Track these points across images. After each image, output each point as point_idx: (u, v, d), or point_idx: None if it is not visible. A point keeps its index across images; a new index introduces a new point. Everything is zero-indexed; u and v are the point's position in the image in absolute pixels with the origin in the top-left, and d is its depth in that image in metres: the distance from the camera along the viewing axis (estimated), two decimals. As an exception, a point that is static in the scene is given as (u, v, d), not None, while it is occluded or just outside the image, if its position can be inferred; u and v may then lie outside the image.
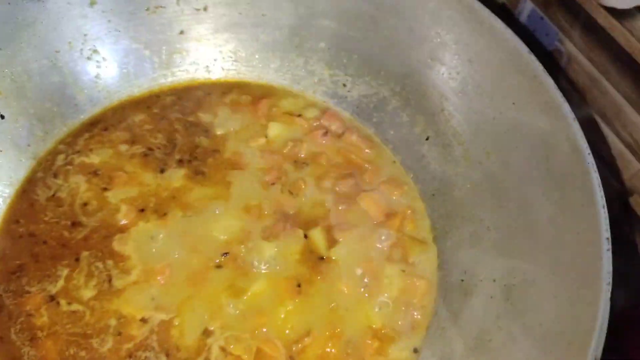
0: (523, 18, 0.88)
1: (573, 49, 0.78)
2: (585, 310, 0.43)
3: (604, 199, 0.46)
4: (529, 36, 0.86)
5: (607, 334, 0.40)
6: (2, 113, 0.60)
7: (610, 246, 0.43)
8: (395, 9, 0.64)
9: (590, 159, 0.48)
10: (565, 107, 0.51)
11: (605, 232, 0.44)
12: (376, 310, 0.57)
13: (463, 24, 0.59)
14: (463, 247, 0.58)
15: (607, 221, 0.45)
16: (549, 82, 0.52)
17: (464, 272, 0.57)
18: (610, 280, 0.42)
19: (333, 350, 0.54)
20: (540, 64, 0.54)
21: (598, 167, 0.82)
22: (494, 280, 0.54)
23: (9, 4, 0.58)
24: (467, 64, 0.59)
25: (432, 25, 0.61)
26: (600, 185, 0.47)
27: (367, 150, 0.68)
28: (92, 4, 0.63)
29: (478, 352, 0.51)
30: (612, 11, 0.68)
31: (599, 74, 0.76)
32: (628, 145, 0.76)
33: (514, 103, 0.56)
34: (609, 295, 0.41)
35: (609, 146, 0.78)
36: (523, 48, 0.55)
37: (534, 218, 0.52)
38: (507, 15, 0.82)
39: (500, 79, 0.57)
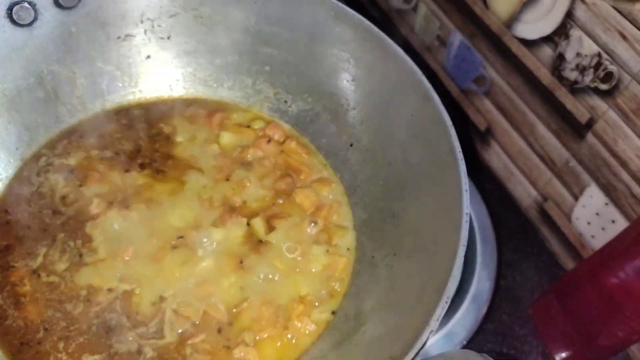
0: (454, 48, 1.02)
1: (494, 74, 0.92)
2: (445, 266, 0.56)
3: (467, 184, 0.59)
4: (459, 63, 1.00)
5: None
6: (-5, 122, 0.72)
7: (468, 219, 0.57)
8: (322, 40, 0.77)
9: (460, 156, 0.62)
10: (445, 116, 0.65)
11: (466, 209, 0.58)
12: (304, 282, 0.69)
13: (374, 52, 0.73)
14: (375, 231, 0.71)
15: (468, 203, 0.58)
16: (434, 96, 0.66)
17: (374, 250, 0.70)
18: (465, 243, 0.55)
19: (266, 313, 0.66)
20: (429, 83, 0.68)
21: (518, 178, 0.97)
22: (394, 255, 0.67)
23: (4, 32, 0.70)
24: (376, 84, 0.73)
25: (351, 53, 0.75)
26: (466, 175, 0.60)
27: (303, 155, 0.81)
28: (71, 33, 0.76)
29: (379, 310, 0.63)
30: (523, 41, 0.82)
31: (515, 95, 0.90)
32: (541, 157, 0.89)
33: (412, 115, 0.70)
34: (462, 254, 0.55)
35: (526, 158, 0.92)
36: (417, 70, 0.69)
37: (422, 209, 0.66)
38: (442, 44, 0.97)
39: (401, 97, 0.71)
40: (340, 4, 0.75)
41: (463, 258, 0.54)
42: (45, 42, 0.74)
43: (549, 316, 0.83)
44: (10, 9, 0.69)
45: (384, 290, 0.64)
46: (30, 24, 0.72)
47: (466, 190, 0.59)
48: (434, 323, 0.50)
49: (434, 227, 0.62)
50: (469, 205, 0.58)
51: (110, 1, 0.76)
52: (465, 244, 0.55)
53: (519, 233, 0.93)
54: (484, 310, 0.82)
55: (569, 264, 0.89)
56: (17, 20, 0.71)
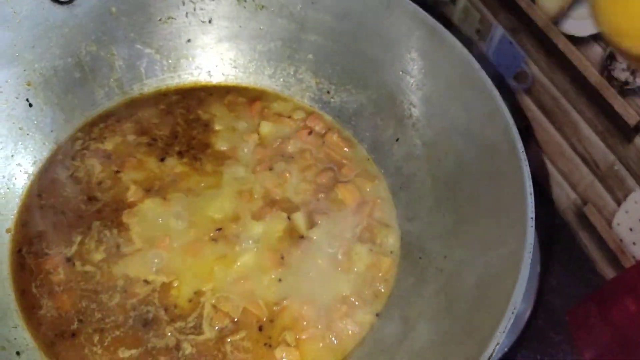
0: (495, 42, 0.98)
1: (537, 70, 0.88)
2: (509, 279, 0.53)
3: (532, 187, 0.56)
4: (499, 58, 0.96)
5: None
6: (31, 102, 0.69)
7: (533, 224, 0.54)
8: (373, 29, 0.74)
9: (523, 156, 0.58)
10: (506, 114, 0.61)
11: (531, 213, 0.54)
12: (346, 281, 0.66)
13: (428, 43, 0.70)
14: (422, 230, 0.68)
15: (533, 207, 0.55)
16: (495, 93, 0.63)
17: (421, 251, 0.67)
18: (531, 250, 0.52)
19: (308, 312, 0.63)
20: (489, 79, 0.64)
21: (556, 180, 0.93)
22: (445, 257, 0.64)
23: (42, 9, 0.68)
24: (430, 77, 0.70)
25: (403, 44, 0.72)
26: (530, 177, 0.57)
27: (345, 149, 0.78)
28: (112, 13, 0.73)
29: (429, 315, 0.60)
30: (571, 38, 0.78)
31: (559, 93, 0.86)
32: (584, 159, 0.86)
33: (467, 111, 0.67)
34: (529, 262, 0.51)
35: (567, 159, 0.89)
36: (475, 64, 0.65)
37: (478, 207, 0.63)
38: (482, 38, 0.93)
39: (457, 91, 0.67)
40: (391, -10, 0.72)
41: (529, 266, 0.51)
42: (84, 21, 0.71)
43: (586, 324, 0.80)
44: (50, -15, 0.67)
45: (435, 295, 0.61)
46: (70, 1, 0.69)
47: (531, 194, 0.56)
48: (500, 334, 0.47)
49: (491, 231, 0.59)
50: (534, 209, 0.55)
51: (152, -20, 0.73)
52: (531, 250, 0.52)
53: (554, 236, 0.89)
54: (526, 316, 0.78)
55: (606, 270, 0.85)
56: (57, -3, 0.68)
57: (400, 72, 0.73)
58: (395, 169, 0.74)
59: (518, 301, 0.49)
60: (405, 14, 0.70)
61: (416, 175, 0.72)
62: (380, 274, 0.67)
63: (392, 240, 0.69)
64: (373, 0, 0.72)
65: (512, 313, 0.48)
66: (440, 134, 0.69)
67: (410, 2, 0.70)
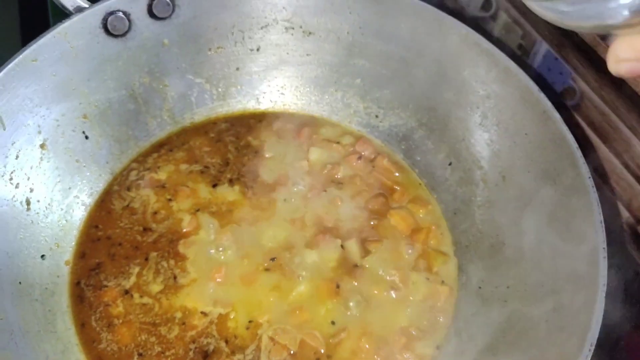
0: (539, 58, 0.96)
1: (585, 87, 0.86)
2: (583, 312, 0.50)
3: (602, 214, 0.54)
4: (544, 74, 0.94)
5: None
6: (87, 134, 0.71)
7: (606, 254, 0.51)
8: (422, 52, 0.73)
9: (590, 182, 0.56)
10: (569, 137, 0.59)
11: (602, 243, 0.52)
12: (404, 311, 0.64)
13: (482, 65, 0.68)
14: (481, 259, 0.66)
15: (604, 234, 0.52)
16: (556, 116, 0.61)
17: (481, 280, 0.65)
18: (606, 282, 0.49)
19: (366, 344, 0.62)
20: (549, 101, 0.63)
21: (608, 198, 0.89)
22: (508, 287, 0.61)
23: (97, 42, 0.69)
24: (485, 100, 0.68)
25: (455, 66, 0.71)
26: (599, 202, 0.55)
27: (396, 174, 0.77)
28: (164, 44, 0.74)
29: (494, 349, 0.58)
30: None
31: (609, 110, 0.84)
32: (636, 177, 0.82)
33: (526, 134, 0.65)
34: (603, 295, 0.49)
35: (618, 176, 0.85)
36: (534, 87, 0.64)
37: (543, 236, 0.60)
38: (525, 54, 0.91)
39: (514, 113, 0.66)
40: (442, 13, 0.71)
41: (604, 299, 0.49)
42: (138, 53, 0.72)
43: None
44: (105, 20, 0.68)
45: (499, 328, 0.59)
46: (124, 35, 0.70)
47: (601, 222, 0.53)
48: (579, 374, 0.44)
49: (557, 261, 0.57)
50: (605, 239, 0.52)
51: (203, 12, 0.74)
52: (605, 283, 0.50)
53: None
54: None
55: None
56: (111, 31, 0.69)
57: (453, 95, 0.71)
58: (449, 194, 0.73)
59: (595, 337, 0.47)
60: (457, 36, 0.69)
61: (472, 200, 0.70)
62: (438, 304, 0.65)
63: (449, 268, 0.68)
64: (423, 24, 0.72)
65: (590, 350, 0.46)
66: (497, 156, 0.68)
67: (463, 24, 0.69)
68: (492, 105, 0.68)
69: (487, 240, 0.66)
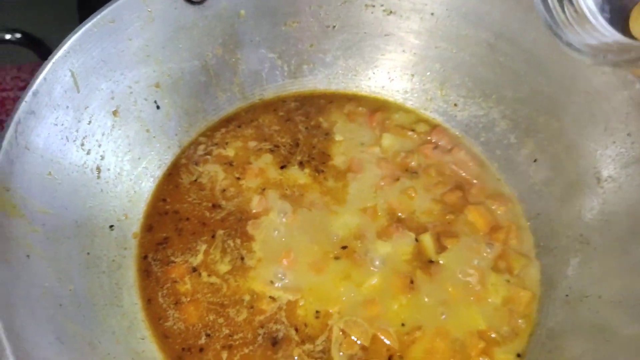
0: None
1: None
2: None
3: None
4: None
5: None
6: (158, 104, 0.68)
7: None
8: (514, 40, 0.68)
9: None
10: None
11: None
12: (482, 313, 0.61)
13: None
14: (568, 265, 0.62)
15: None
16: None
17: (569, 288, 0.60)
18: None
19: (441, 345, 0.58)
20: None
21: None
22: (600, 297, 0.57)
23: (175, 8, 0.66)
24: (586, 95, 0.63)
25: (551, 58, 0.66)
26: None
27: (474, 167, 0.72)
28: (240, 15, 0.71)
29: (583, 361, 0.54)
30: None
31: None
32: None
33: (628, 134, 0.60)
34: None
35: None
36: (644, 84, 0.59)
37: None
38: None
39: (618, 113, 0.61)
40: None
41: None
42: (214, 23, 0.69)
43: None
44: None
45: (591, 340, 0.54)
46: (201, 2, 0.67)
47: None
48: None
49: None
50: None
51: (283, -17, 0.70)
52: None
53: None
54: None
55: None
56: (190, -2, 0.66)
57: (546, 87, 0.66)
58: (533, 192, 0.68)
59: None
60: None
61: (560, 202, 0.65)
62: (520, 309, 0.61)
63: (532, 272, 0.63)
64: (518, 10, 0.67)
65: None
66: (594, 157, 0.63)
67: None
68: (591, 102, 0.62)
69: (576, 245, 0.62)
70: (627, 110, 0.59)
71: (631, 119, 0.59)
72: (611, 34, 0.36)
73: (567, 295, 0.60)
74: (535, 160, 0.69)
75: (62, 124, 0.58)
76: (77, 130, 0.60)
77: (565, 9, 0.38)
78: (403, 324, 0.59)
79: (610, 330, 0.54)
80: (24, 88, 0.80)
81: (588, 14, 0.38)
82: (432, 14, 0.73)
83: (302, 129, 0.73)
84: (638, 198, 0.58)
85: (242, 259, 0.62)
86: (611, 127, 0.61)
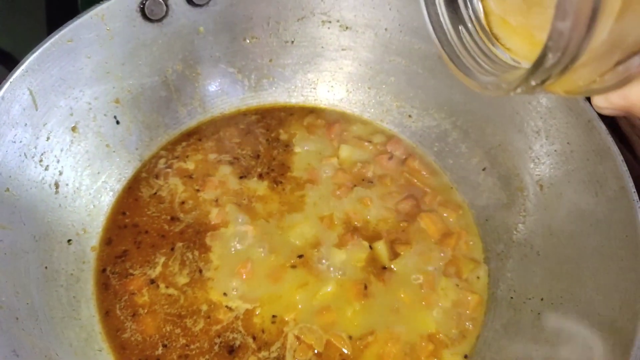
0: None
1: None
2: (627, 320, 0.49)
3: (647, 231, 0.52)
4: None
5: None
6: (118, 119, 0.69)
7: (652, 273, 0.50)
8: (463, 53, 0.72)
9: (635, 196, 0.54)
10: (615, 149, 0.57)
11: (649, 261, 0.50)
12: (432, 317, 0.63)
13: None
14: (513, 269, 0.65)
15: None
16: (601, 126, 0.59)
17: (513, 291, 0.63)
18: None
19: (393, 349, 0.61)
20: (595, 111, 0.61)
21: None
22: (542, 299, 0.60)
23: (134, 26, 0.68)
24: (526, 105, 0.66)
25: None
26: (643, 219, 0.53)
27: (427, 176, 0.75)
28: (199, 32, 0.73)
29: (525, 361, 0.57)
30: None
31: None
32: None
33: (568, 143, 0.63)
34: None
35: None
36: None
37: (582, 247, 0.59)
38: None
39: (557, 121, 0.64)
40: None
41: (649, 318, 0.47)
42: (173, 39, 0.71)
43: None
44: (143, 4, 0.67)
45: (533, 341, 0.57)
46: (160, 20, 0.69)
47: (648, 238, 0.52)
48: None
49: (599, 277, 0.55)
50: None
51: (240, 1, 0.72)
52: (650, 301, 0.48)
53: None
54: None
55: None
56: (148, 15, 0.68)
57: (492, 99, 0.69)
58: (482, 200, 0.71)
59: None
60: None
61: (506, 209, 0.68)
62: (467, 312, 0.63)
63: (479, 276, 0.66)
64: (465, 24, 0.70)
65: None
66: (536, 164, 0.66)
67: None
68: (533, 112, 0.66)
69: (521, 249, 0.65)
70: (566, 119, 0.63)
71: (570, 127, 0.62)
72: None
73: (512, 298, 0.63)
74: (484, 169, 0.72)
75: (21, 141, 0.59)
76: (35, 147, 0.61)
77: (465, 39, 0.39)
78: (356, 329, 0.61)
79: (551, 331, 0.57)
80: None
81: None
82: (386, 29, 0.76)
83: (263, 141, 0.75)
84: (577, 204, 0.61)
85: (200, 271, 0.63)
86: (552, 136, 0.64)
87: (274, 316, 0.61)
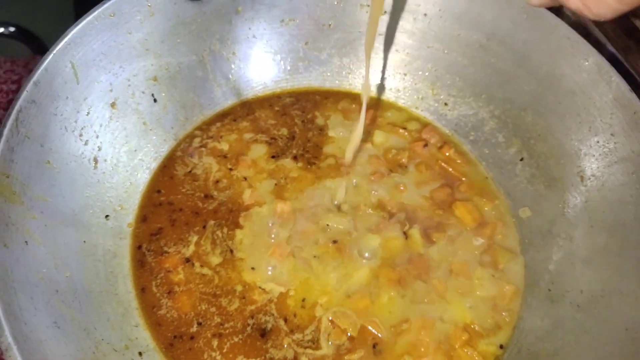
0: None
1: None
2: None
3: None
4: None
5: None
6: (156, 97, 0.69)
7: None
8: (505, 42, 0.70)
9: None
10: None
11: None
12: (467, 307, 0.62)
13: (571, 60, 0.65)
14: (551, 261, 0.64)
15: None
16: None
17: (551, 283, 0.62)
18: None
19: (426, 338, 0.60)
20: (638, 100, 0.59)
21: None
22: (581, 292, 0.59)
23: (175, 4, 0.67)
24: (570, 95, 0.65)
25: (540, 59, 0.68)
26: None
27: (462, 165, 0.74)
28: (238, 12, 0.72)
29: (566, 355, 0.56)
30: None
31: None
32: None
33: (612, 134, 0.62)
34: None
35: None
36: (626, 87, 0.60)
37: (625, 239, 0.58)
38: None
39: (601, 112, 0.62)
40: None
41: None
42: (212, 18, 0.71)
43: None
44: (184, -19, 0.66)
45: (571, 333, 0.56)
46: (200, -1, 0.69)
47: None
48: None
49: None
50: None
51: (281, -19, 0.71)
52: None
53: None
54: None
55: None
56: (188, -7, 0.67)
57: (534, 88, 0.68)
58: (519, 190, 0.70)
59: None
60: (546, 27, 0.66)
61: (544, 200, 0.67)
62: (504, 303, 0.63)
63: (516, 267, 0.65)
64: (509, 13, 0.69)
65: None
66: (577, 155, 0.65)
67: (553, 15, 0.66)
68: (577, 102, 0.64)
69: (560, 241, 0.64)
70: (611, 110, 0.61)
71: (615, 119, 0.61)
72: None
73: (549, 290, 0.62)
74: (521, 159, 0.71)
75: (62, 114, 0.59)
76: (75, 121, 0.61)
77: None
78: (389, 316, 0.61)
79: (591, 324, 0.56)
80: (17, 81, 0.82)
81: None
82: (425, 14, 0.74)
83: (299, 122, 0.75)
84: (620, 196, 0.60)
85: (232, 251, 0.63)
86: (595, 127, 0.63)
87: (304, 300, 0.61)
